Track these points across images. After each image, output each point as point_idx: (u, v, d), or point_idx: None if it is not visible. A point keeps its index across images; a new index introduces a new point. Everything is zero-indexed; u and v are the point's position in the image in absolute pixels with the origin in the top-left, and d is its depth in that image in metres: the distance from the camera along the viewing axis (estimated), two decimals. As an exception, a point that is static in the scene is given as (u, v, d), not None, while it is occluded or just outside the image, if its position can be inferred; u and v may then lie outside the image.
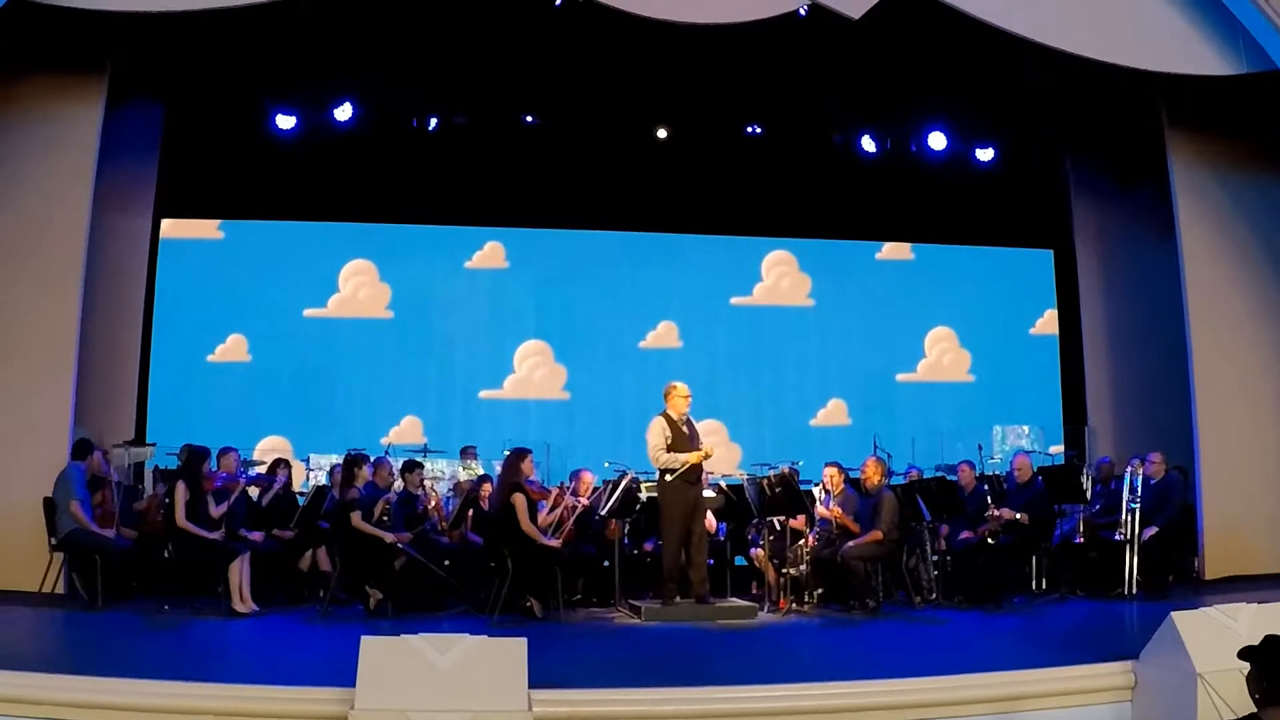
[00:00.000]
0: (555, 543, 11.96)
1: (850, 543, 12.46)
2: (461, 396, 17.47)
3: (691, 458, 12.02)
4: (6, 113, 13.22)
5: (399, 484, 12.87)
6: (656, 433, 12.18)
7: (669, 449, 12.06)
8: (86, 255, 13.25)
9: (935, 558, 13.38)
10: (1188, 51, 12.91)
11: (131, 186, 15.79)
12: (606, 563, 13.03)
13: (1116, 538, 13.53)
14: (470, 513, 13.19)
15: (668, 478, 12.07)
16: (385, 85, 16.20)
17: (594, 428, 17.10)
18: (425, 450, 15.34)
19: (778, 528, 12.99)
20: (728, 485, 13.57)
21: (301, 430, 16.55)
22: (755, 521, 13.20)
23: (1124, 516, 13.48)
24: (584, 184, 17.44)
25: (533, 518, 11.86)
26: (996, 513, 12.97)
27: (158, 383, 16.31)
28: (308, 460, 15.37)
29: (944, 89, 16.28)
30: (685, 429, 12.26)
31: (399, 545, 12.03)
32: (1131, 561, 13.30)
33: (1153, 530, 13.34)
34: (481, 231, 17.72)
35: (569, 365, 17.77)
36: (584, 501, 12.92)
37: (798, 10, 12.48)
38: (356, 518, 11.83)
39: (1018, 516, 12.84)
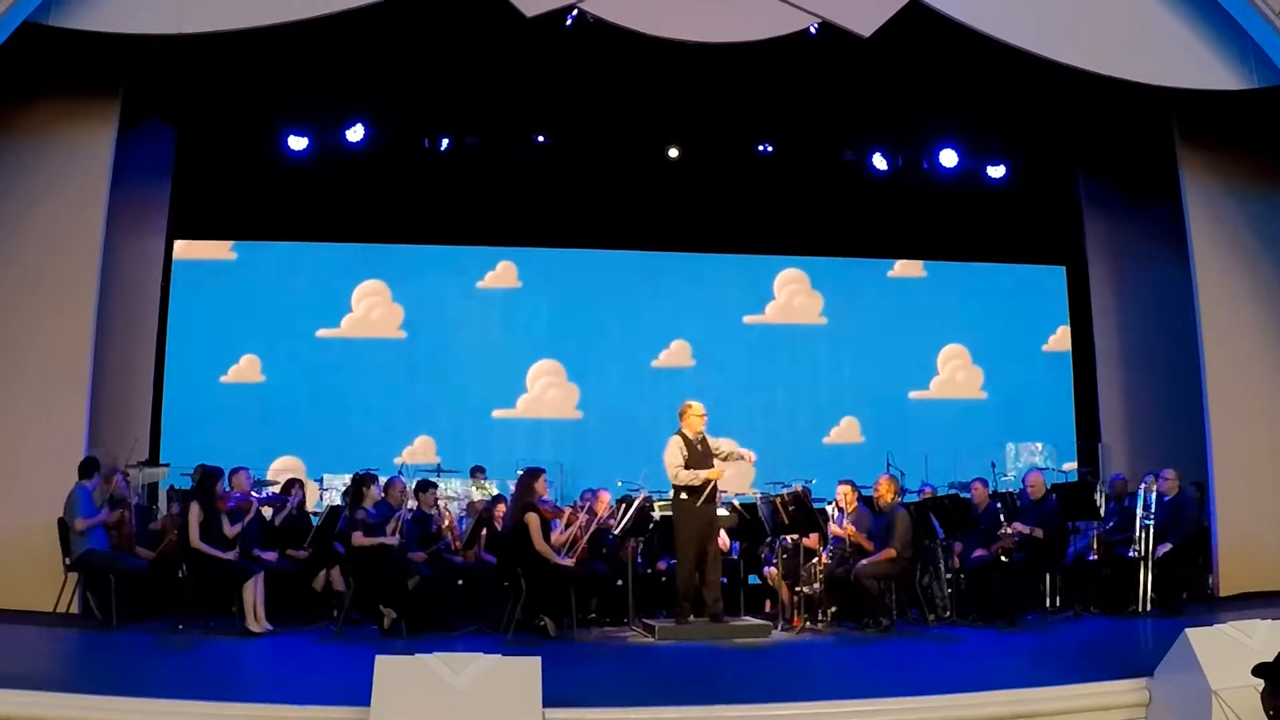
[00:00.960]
0: (569, 562, 11.97)
1: (864, 561, 12.45)
2: (474, 416, 17.47)
3: (708, 474, 12.04)
4: (20, 136, 13.30)
5: (412, 503, 12.87)
6: (674, 451, 12.18)
7: (686, 467, 12.10)
8: (100, 277, 13.33)
9: (949, 575, 13.35)
10: (1198, 67, 12.93)
11: (144, 208, 15.84)
12: (620, 582, 13.02)
13: (1130, 555, 13.52)
14: (484, 532, 13.19)
15: (683, 496, 12.08)
16: (397, 106, 16.23)
17: (607, 447, 17.05)
18: (439, 470, 15.36)
19: (791, 546, 12.97)
20: (741, 504, 13.56)
21: (315, 450, 16.57)
22: (769, 540, 13.21)
23: (1138, 533, 13.46)
24: (596, 203, 17.50)
25: (546, 537, 11.87)
26: (1010, 530, 12.94)
27: (171, 404, 16.36)
28: (321, 480, 15.37)
29: (955, 106, 16.27)
30: (700, 447, 12.27)
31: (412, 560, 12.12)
32: (1145, 579, 13.28)
33: (1167, 547, 13.31)
34: (494, 251, 17.78)
35: (581, 384, 17.79)
36: (611, 520, 12.92)
37: (808, 28, 12.50)
38: (358, 536, 11.83)
39: (1031, 531, 12.82)
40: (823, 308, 18.49)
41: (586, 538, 12.48)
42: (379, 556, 11.80)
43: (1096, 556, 13.86)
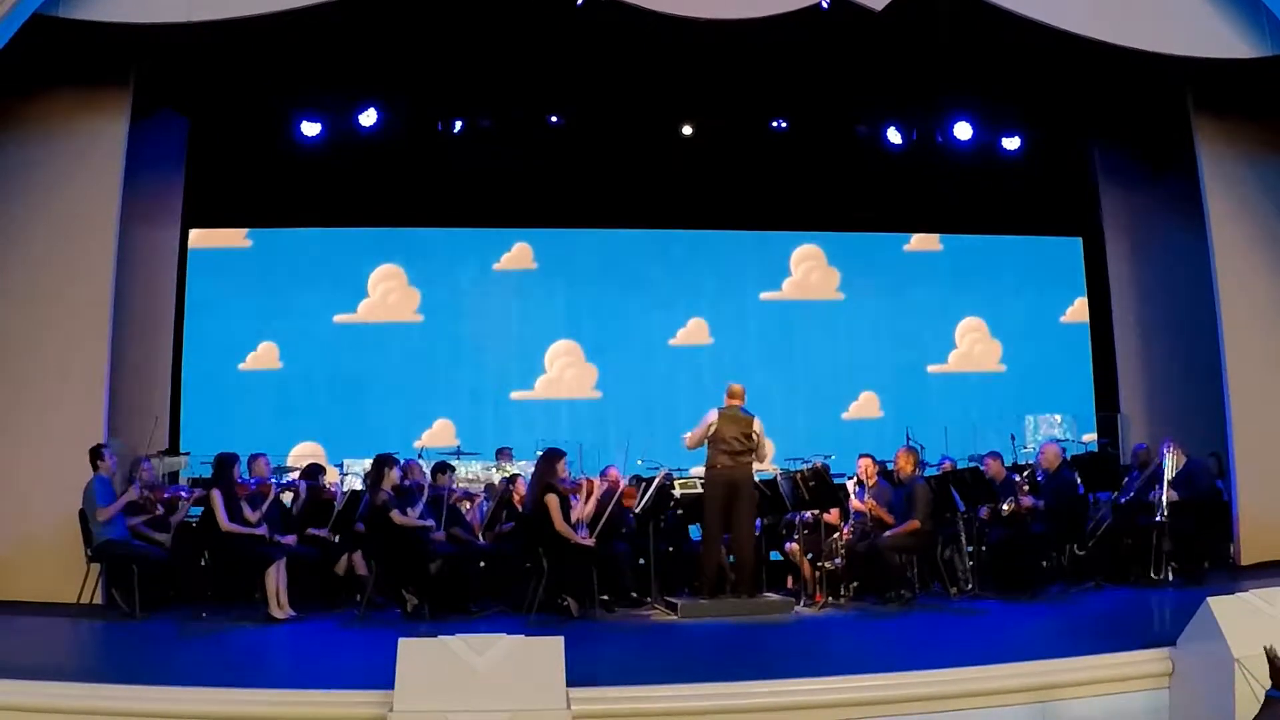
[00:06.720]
0: (590, 542, 11.98)
1: (886, 533, 12.45)
2: (493, 398, 17.50)
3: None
4: (33, 128, 13.31)
5: (428, 486, 12.90)
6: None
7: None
8: (116, 268, 13.33)
9: (970, 548, 13.34)
10: (1212, 35, 12.87)
11: (159, 198, 15.88)
12: (642, 560, 13.02)
13: (1157, 519, 13.45)
14: (504, 514, 13.19)
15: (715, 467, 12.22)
16: (409, 89, 16.22)
17: (626, 426, 16.97)
18: (458, 452, 15.34)
19: (812, 521, 12.98)
20: (762, 480, 13.53)
21: (334, 436, 16.58)
22: (790, 516, 13.20)
23: (1159, 500, 13.42)
24: (610, 183, 17.48)
25: (566, 518, 11.87)
26: (1006, 507, 12.94)
27: (190, 392, 16.39)
28: (341, 465, 15.35)
29: (969, 79, 16.17)
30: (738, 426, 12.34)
31: (434, 542, 12.16)
32: (1166, 549, 13.24)
33: (1175, 497, 13.22)
34: (509, 233, 17.78)
35: (600, 364, 17.81)
36: (613, 483, 13.00)
37: (820, 3, 12.46)
38: (397, 515, 11.84)
39: (1028, 505, 12.83)
40: (839, 283, 18.46)
41: (610, 508, 12.53)
42: (402, 540, 11.82)
43: (1117, 526, 13.82)
